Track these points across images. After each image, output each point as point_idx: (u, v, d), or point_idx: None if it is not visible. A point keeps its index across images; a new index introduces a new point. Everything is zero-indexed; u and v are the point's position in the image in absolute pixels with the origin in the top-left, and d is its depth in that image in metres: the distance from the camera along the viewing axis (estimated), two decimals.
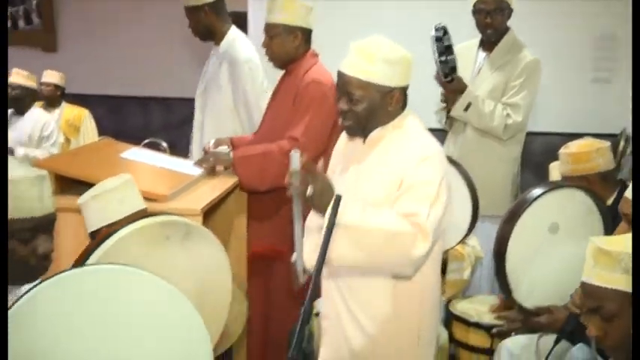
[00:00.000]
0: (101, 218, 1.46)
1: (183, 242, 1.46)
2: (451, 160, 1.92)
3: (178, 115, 4.32)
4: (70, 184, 1.83)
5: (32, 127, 3.65)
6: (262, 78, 2.51)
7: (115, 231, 1.38)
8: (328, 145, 1.96)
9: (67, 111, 4.17)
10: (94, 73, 4.49)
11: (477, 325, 2.07)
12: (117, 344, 0.98)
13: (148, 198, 1.64)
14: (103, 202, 1.47)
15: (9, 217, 1.10)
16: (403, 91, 1.49)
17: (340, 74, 1.46)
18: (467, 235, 2.14)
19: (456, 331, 2.17)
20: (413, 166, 1.42)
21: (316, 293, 1.26)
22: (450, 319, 2.21)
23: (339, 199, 1.26)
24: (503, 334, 1.83)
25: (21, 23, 4.85)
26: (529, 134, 2.86)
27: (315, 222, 1.46)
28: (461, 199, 2.00)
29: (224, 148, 2.27)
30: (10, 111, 3.62)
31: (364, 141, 1.52)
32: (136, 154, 2.22)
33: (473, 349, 2.09)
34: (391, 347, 1.50)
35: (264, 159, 2.07)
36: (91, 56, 4.27)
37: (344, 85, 1.45)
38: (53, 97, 4.09)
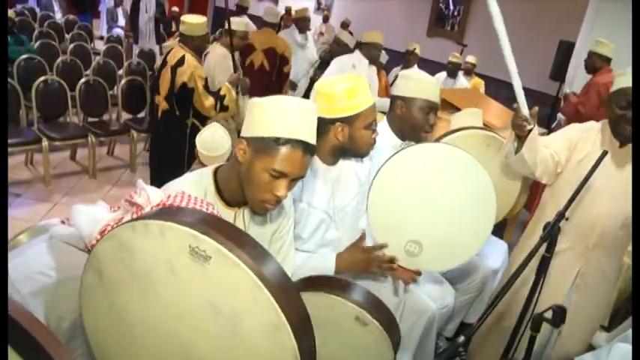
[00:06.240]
0: (458, 124, 2.44)
1: (497, 152, 2.24)
2: None
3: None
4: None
5: None
6: None
7: (460, 130, 2.30)
8: None
9: None
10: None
11: None
12: (445, 189, 1.73)
13: (488, 126, 2.53)
14: (460, 118, 2.46)
15: None
16: None
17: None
18: None
19: None
20: None
21: None
22: None
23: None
24: None
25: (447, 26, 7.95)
26: None
27: None
28: None
29: None
30: None
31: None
32: None
33: None
34: None
35: None
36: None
37: None
38: None
